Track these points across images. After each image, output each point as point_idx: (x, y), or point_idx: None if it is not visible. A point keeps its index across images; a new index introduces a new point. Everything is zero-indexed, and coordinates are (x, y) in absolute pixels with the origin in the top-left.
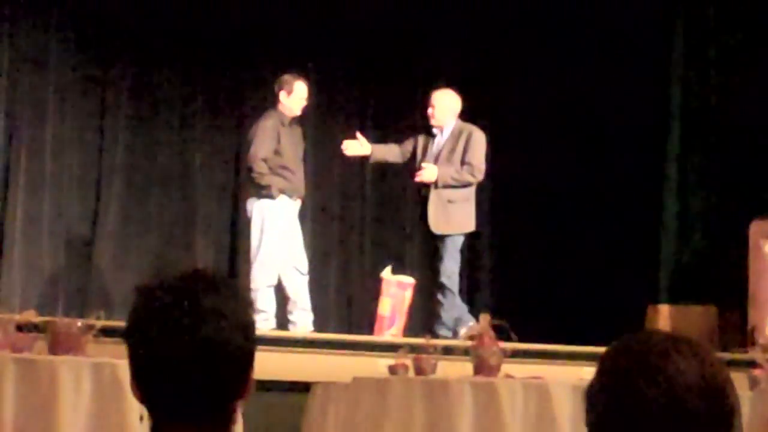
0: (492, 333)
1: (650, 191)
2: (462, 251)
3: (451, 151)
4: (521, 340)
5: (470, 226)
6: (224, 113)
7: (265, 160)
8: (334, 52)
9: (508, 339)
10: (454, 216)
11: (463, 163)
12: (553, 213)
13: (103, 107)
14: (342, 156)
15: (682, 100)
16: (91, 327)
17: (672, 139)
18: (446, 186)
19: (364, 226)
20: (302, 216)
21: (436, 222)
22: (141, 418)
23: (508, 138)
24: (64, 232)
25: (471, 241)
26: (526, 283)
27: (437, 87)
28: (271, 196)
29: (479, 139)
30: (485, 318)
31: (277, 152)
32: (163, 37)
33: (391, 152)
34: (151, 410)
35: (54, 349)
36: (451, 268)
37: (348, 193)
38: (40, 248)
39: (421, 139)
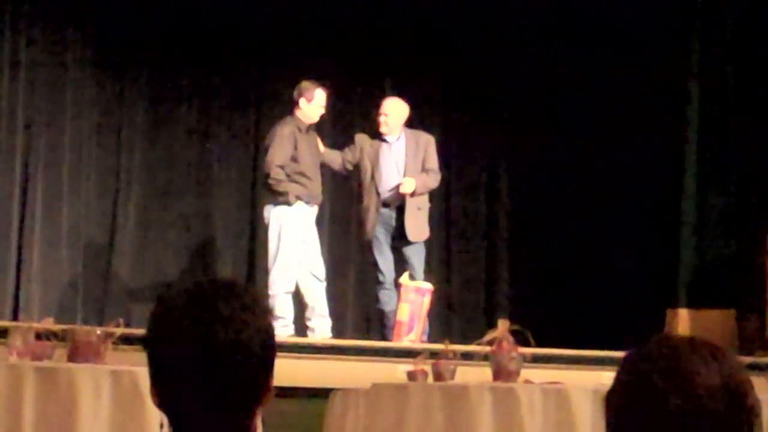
0: (511, 338)
1: (669, 195)
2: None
3: (414, 160)
4: (540, 345)
5: (428, 232)
6: (241, 119)
7: (282, 167)
8: (351, 58)
9: (527, 344)
10: (422, 223)
11: (423, 169)
12: (571, 217)
13: (121, 115)
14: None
15: (701, 102)
16: (110, 335)
17: (691, 142)
18: (419, 194)
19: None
20: (319, 222)
21: (411, 229)
22: (161, 426)
23: (525, 140)
24: (83, 239)
25: (489, 246)
26: (544, 288)
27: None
28: (288, 203)
29: (434, 145)
30: (504, 323)
31: (294, 159)
32: (181, 43)
33: (334, 159)
34: (170, 417)
35: (73, 357)
36: (422, 273)
37: None
38: (58, 256)
39: (367, 147)
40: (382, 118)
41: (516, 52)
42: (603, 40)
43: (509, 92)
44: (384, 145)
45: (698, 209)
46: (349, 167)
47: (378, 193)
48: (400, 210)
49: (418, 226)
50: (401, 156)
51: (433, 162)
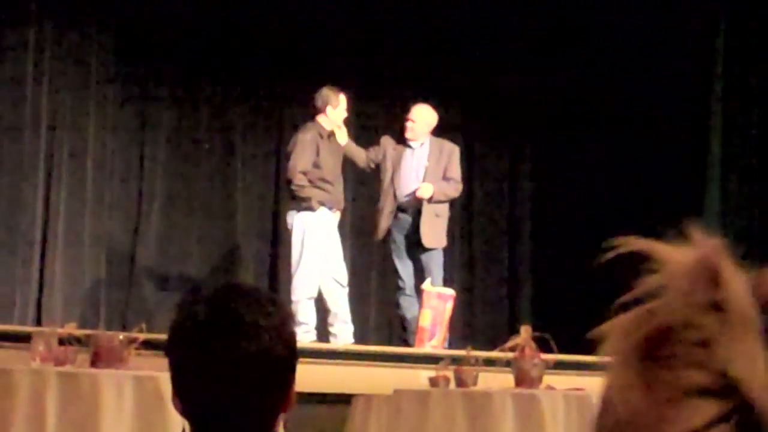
0: (533, 344)
1: (691, 198)
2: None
3: (435, 167)
4: (562, 351)
5: (445, 240)
6: (264, 125)
7: (304, 173)
8: (371, 64)
9: (550, 350)
10: (440, 230)
11: (444, 178)
12: (594, 222)
13: (144, 121)
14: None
15: (724, 105)
16: (133, 340)
17: (714, 142)
18: (437, 201)
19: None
20: (342, 228)
21: (428, 236)
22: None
23: (547, 145)
24: (106, 245)
25: (511, 252)
26: (567, 294)
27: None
28: (311, 209)
29: (458, 155)
30: (526, 329)
31: (316, 165)
32: (204, 46)
33: (359, 155)
34: (192, 424)
35: (96, 362)
36: (440, 279)
37: None
38: (81, 261)
39: (390, 150)
40: (408, 124)
41: (537, 54)
42: (624, 38)
43: (531, 97)
44: (407, 150)
45: (719, 212)
46: (372, 165)
47: (395, 197)
48: (418, 215)
49: (434, 232)
50: (423, 162)
51: (455, 171)
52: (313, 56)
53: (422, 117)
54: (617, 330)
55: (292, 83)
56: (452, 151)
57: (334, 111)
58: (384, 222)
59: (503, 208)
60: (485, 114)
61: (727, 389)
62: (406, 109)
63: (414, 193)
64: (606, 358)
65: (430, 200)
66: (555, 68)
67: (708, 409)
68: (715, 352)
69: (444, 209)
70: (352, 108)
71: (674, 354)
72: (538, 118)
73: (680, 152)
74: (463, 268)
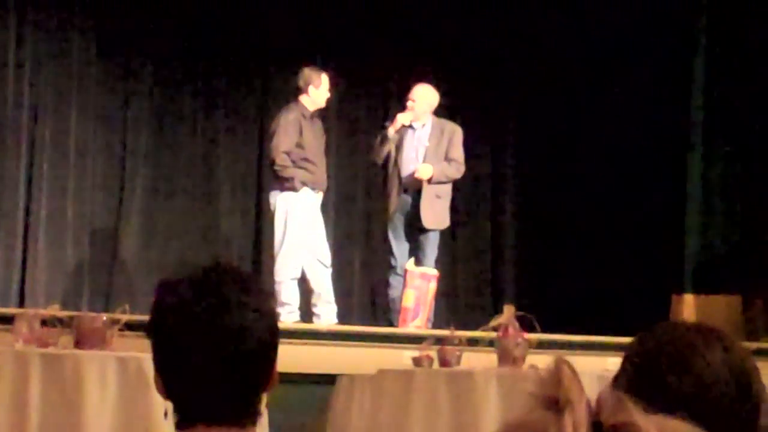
0: (516, 324)
1: (674, 180)
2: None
3: (436, 147)
4: (545, 330)
5: (448, 221)
6: (246, 105)
7: (287, 153)
8: (354, 43)
9: (533, 330)
10: (441, 211)
11: (446, 159)
12: (576, 202)
13: (126, 101)
14: (364, 148)
15: (706, 85)
16: (116, 321)
17: (696, 126)
18: (438, 182)
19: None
20: (325, 208)
21: (428, 217)
22: (165, 414)
23: (530, 126)
24: (88, 226)
25: (494, 232)
26: (550, 273)
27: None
28: (294, 189)
29: (460, 136)
30: (509, 309)
31: (299, 145)
32: (185, 29)
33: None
34: (175, 404)
35: (79, 343)
36: (433, 261)
37: (370, 185)
38: (64, 243)
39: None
40: (409, 104)
41: (522, 34)
42: (611, 27)
43: (514, 77)
44: (409, 130)
45: (704, 194)
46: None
47: (400, 178)
48: (419, 196)
49: (435, 214)
50: (424, 143)
51: (457, 152)
52: (297, 34)
53: (423, 97)
54: None
55: (275, 62)
56: (454, 131)
57: (317, 90)
58: (392, 205)
59: (486, 187)
60: (466, 94)
61: None
62: (394, 86)
63: (414, 173)
64: None
65: (429, 181)
66: (540, 50)
67: None
68: None
69: (446, 190)
70: (333, 91)
71: None
72: (521, 98)
73: (663, 135)
74: (446, 247)
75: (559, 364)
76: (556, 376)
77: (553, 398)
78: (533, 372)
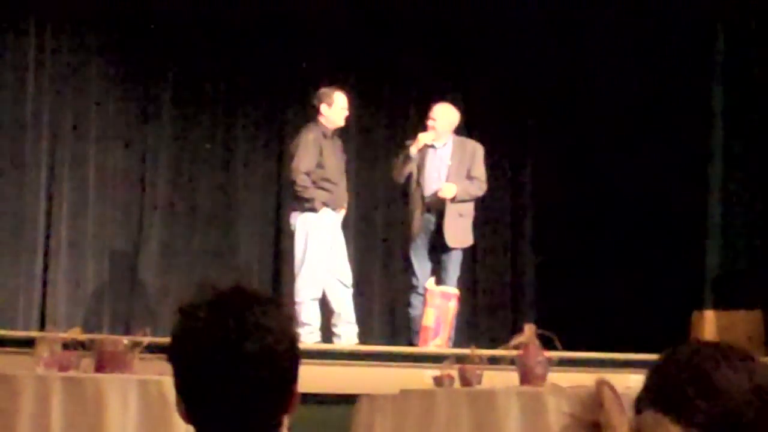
0: (537, 342)
1: (694, 196)
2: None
3: (458, 166)
4: (567, 348)
5: (471, 239)
6: (266, 125)
7: (307, 174)
8: (375, 63)
9: (554, 348)
10: (464, 229)
11: (468, 177)
12: (596, 219)
13: (146, 122)
14: (384, 167)
15: (726, 102)
16: (137, 344)
17: (716, 142)
18: (461, 201)
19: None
20: (345, 228)
21: (451, 235)
22: None
23: (551, 144)
24: (109, 248)
25: (514, 250)
26: (570, 291)
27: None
28: (314, 209)
29: (482, 154)
30: (530, 327)
31: (319, 165)
32: (205, 47)
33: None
34: (197, 428)
35: (100, 367)
36: (455, 280)
37: (391, 204)
38: (84, 266)
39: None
40: (429, 123)
41: (540, 55)
42: (628, 42)
43: (534, 95)
44: (430, 150)
45: (724, 210)
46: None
47: (423, 198)
48: (442, 216)
49: (458, 232)
50: (446, 162)
51: (479, 170)
52: (313, 56)
53: (444, 116)
54: None
55: (296, 82)
56: (475, 149)
57: (330, 110)
58: (416, 224)
59: (506, 205)
60: (488, 111)
61: None
62: (413, 105)
63: (437, 193)
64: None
65: (453, 200)
66: (558, 67)
67: None
68: None
69: (468, 209)
70: (352, 110)
71: None
72: (541, 116)
73: (684, 152)
74: (466, 265)
75: (600, 386)
76: (597, 398)
77: (595, 422)
78: (555, 389)
